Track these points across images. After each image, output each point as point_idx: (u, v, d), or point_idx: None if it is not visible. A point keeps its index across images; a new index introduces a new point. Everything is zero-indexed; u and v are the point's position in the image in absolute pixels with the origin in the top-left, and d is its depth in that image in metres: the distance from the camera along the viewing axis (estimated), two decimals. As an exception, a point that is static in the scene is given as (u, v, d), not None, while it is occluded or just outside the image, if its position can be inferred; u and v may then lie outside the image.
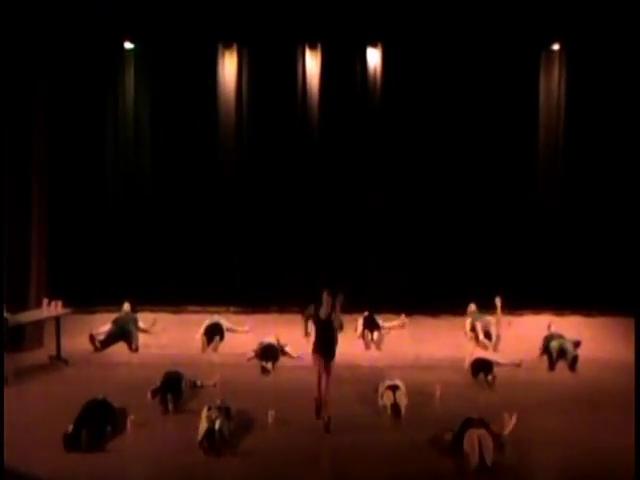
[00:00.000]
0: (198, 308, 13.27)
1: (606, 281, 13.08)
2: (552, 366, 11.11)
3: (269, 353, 11.05)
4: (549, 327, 11.75)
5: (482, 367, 10.42)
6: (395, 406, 9.18)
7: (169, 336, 12.17)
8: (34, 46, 11.79)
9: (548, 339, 11.44)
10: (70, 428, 8.31)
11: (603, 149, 13.33)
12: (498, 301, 11.89)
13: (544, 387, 10.38)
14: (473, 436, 8.03)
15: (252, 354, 11.10)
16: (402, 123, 13.68)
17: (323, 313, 8.89)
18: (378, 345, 11.89)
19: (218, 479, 7.88)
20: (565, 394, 10.12)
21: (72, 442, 8.23)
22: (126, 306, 12.39)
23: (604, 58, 13.10)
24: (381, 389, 9.51)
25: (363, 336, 12.01)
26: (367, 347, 11.91)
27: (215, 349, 11.73)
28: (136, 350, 11.70)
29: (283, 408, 9.15)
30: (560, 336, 11.42)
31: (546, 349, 11.34)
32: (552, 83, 13.60)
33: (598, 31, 12.85)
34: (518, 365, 10.88)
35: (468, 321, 12.30)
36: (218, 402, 8.74)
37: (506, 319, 12.28)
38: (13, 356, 10.51)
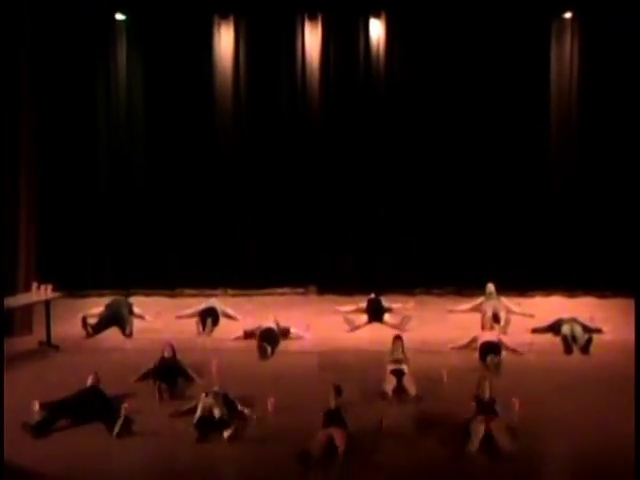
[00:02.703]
0: (195, 291, 12.94)
1: (620, 261, 12.65)
2: (568, 350, 10.72)
3: (268, 337, 10.69)
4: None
5: (490, 350, 10.05)
6: (399, 390, 8.90)
7: (164, 320, 11.83)
8: (21, 17, 11.33)
9: (560, 322, 11.05)
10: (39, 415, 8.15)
11: (617, 121, 12.89)
12: (491, 286, 11.60)
13: (555, 371, 10.02)
14: (479, 423, 7.72)
15: (241, 334, 10.87)
16: (407, 97, 13.34)
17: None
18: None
19: (216, 469, 7.61)
20: (577, 378, 9.80)
21: (40, 429, 8.00)
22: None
23: (617, 26, 12.63)
24: (386, 371, 9.17)
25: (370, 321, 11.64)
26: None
27: (209, 333, 11.34)
28: (130, 335, 11.33)
29: (283, 395, 8.83)
30: (573, 319, 11.04)
31: (558, 333, 10.97)
32: (564, 53, 13.23)
33: (611, -2, 12.45)
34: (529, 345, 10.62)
35: (479, 301, 11.88)
36: (216, 388, 8.42)
37: (515, 301, 11.97)
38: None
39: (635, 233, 11.22)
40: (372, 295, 12.03)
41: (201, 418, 7.99)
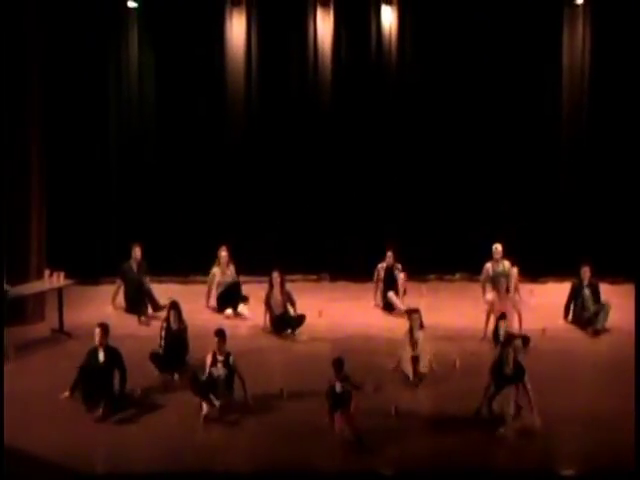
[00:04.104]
0: (207, 278, 12.92)
1: (633, 247, 12.57)
2: (594, 333, 10.94)
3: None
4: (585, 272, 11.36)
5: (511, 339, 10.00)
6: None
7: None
8: (32, 3, 11.30)
9: (576, 289, 11.26)
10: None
11: (629, 107, 12.79)
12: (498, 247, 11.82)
13: (568, 356, 10.13)
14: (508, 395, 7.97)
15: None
16: (419, 83, 13.35)
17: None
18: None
19: (226, 456, 7.68)
20: (590, 363, 9.94)
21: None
22: (137, 252, 11.80)
23: (629, 13, 12.55)
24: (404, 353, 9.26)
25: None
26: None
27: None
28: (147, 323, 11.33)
29: (296, 380, 8.96)
30: (591, 288, 11.22)
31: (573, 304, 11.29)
32: (576, 39, 13.22)
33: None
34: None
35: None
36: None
37: (528, 287, 12.03)
38: (14, 329, 10.29)
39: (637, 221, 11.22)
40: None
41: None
